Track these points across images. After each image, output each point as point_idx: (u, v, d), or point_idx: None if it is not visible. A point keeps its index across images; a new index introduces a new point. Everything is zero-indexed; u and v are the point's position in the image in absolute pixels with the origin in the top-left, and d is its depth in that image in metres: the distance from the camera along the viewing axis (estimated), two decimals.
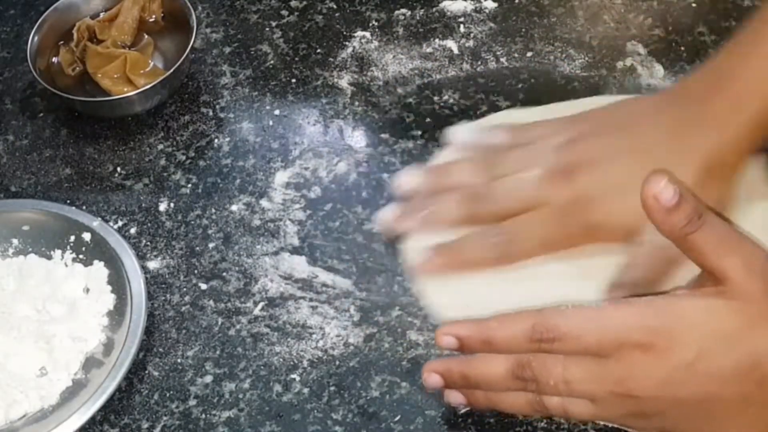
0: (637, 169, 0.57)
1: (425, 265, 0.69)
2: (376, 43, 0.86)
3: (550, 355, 0.56)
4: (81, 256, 0.72)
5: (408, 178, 0.73)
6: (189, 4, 0.83)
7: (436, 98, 0.81)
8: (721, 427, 0.55)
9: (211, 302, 0.71)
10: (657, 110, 0.67)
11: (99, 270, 0.71)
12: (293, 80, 0.84)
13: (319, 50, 0.86)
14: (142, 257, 0.73)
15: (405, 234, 0.71)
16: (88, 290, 0.71)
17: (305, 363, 0.67)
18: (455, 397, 0.61)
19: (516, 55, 0.83)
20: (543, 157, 0.67)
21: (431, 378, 0.60)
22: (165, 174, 0.79)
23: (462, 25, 0.86)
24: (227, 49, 0.87)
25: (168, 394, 0.67)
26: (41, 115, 0.84)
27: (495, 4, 0.87)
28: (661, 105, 0.67)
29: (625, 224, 0.63)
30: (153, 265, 0.73)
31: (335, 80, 0.83)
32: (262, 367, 0.68)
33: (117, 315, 0.69)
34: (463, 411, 0.63)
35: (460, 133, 0.75)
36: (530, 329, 0.56)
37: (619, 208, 0.64)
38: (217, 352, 0.69)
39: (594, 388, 0.55)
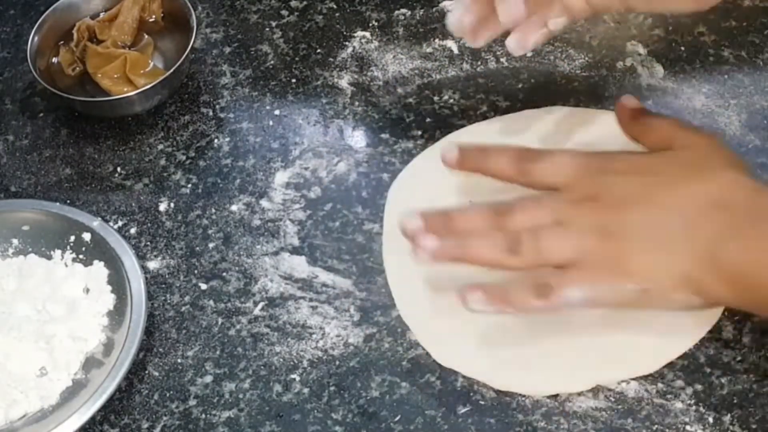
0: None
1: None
2: (376, 43, 0.86)
3: (523, 196, 0.65)
4: (81, 256, 0.72)
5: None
6: (189, 4, 0.83)
7: (436, 98, 0.81)
8: None
9: (211, 302, 0.71)
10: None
11: (99, 270, 0.71)
12: (293, 80, 0.84)
13: (319, 50, 0.86)
14: (142, 257, 0.73)
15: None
16: (88, 290, 0.71)
17: (305, 363, 0.67)
18: (428, 241, 0.63)
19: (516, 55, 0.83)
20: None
21: (412, 223, 0.64)
22: (165, 174, 0.79)
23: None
24: (227, 49, 0.87)
25: (168, 394, 0.67)
26: (41, 115, 0.84)
27: None
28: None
29: None
30: (153, 265, 0.73)
31: (335, 80, 0.83)
32: (262, 367, 0.68)
33: (117, 315, 0.69)
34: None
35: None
36: (515, 152, 0.67)
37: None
38: (217, 352, 0.69)
39: (562, 210, 0.62)
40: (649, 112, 0.69)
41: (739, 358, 0.64)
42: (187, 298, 0.71)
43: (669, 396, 0.63)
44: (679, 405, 0.63)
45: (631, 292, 0.61)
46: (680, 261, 0.60)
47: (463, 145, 0.68)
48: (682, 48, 0.82)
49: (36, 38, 0.83)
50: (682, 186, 0.62)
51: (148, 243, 0.75)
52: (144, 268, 0.72)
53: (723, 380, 0.63)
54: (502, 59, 0.83)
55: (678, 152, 0.65)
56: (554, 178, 0.65)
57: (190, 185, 0.78)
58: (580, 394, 0.64)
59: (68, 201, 0.77)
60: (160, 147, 0.81)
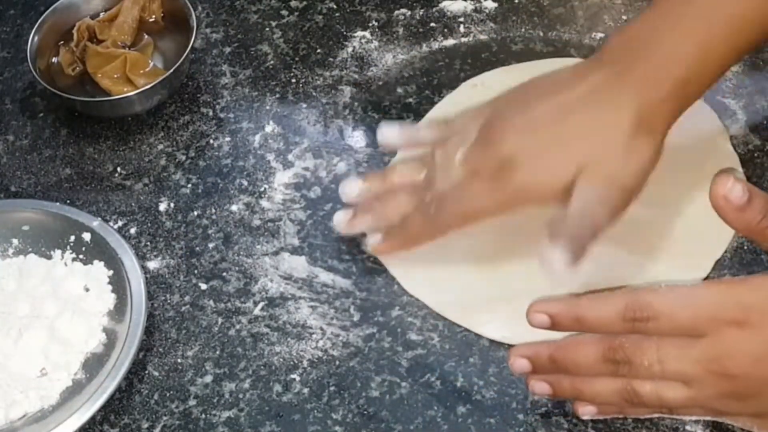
0: (564, 130, 0.62)
1: (379, 248, 0.71)
2: (376, 43, 0.86)
3: (644, 336, 0.55)
4: (81, 256, 0.72)
5: (352, 185, 0.72)
6: (189, 4, 0.83)
7: (436, 98, 0.81)
8: None
9: (211, 302, 0.71)
10: (578, 76, 0.65)
11: (99, 270, 0.71)
12: (293, 80, 0.84)
13: (319, 50, 0.86)
14: (142, 257, 0.73)
15: (361, 233, 0.72)
16: (88, 290, 0.71)
17: (305, 363, 0.67)
18: (540, 387, 0.60)
19: (516, 55, 0.83)
20: (468, 138, 0.67)
21: (518, 362, 0.60)
22: (165, 174, 0.79)
23: (462, 25, 0.86)
24: (227, 49, 0.87)
25: (168, 394, 0.67)
26: (41, 115, 0.84)
27: (495, 4, 0.87)
28: (583, 71, 0.66)
29: (554, 184, 0.62)
30: (153, 265, 0.73)
31: (335, 80, 0.83)
32: (262, 367, 0.68)
33: (117, 315, 0.69)
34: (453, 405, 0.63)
35: (388, 133, 0.73)
36: (623, 307, 0.55)
37: (547, 169, 0.63)
38: (217, 352, 0.69)
39: (689, 368, 0.55)
40: (759, 197, 0.54)
41: None
42: (187, 298, 0.71)
43: None
44: None
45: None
46: None
47: (552, 305, 0.59)
48: None
49: (36, 38, 0.83)
50: None
51: (148, 243, 0.75)
52: (144, 268, 0.72)
53: None
54: (502, 59, 0.83)
55: None
56: (677, 330, 0.55)
57: (190, 185, 0.78)
58: None
59: (68, 201, 0.77)
60: (160, 147, 0.81)
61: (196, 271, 0.73)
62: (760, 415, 0.56)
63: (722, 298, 0.54)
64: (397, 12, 0.88)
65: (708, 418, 0.60)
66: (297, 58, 0.85)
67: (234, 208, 0.76)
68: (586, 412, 0.61)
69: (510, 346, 0.65)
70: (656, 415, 0.61)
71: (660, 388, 0.56)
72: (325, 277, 0.71)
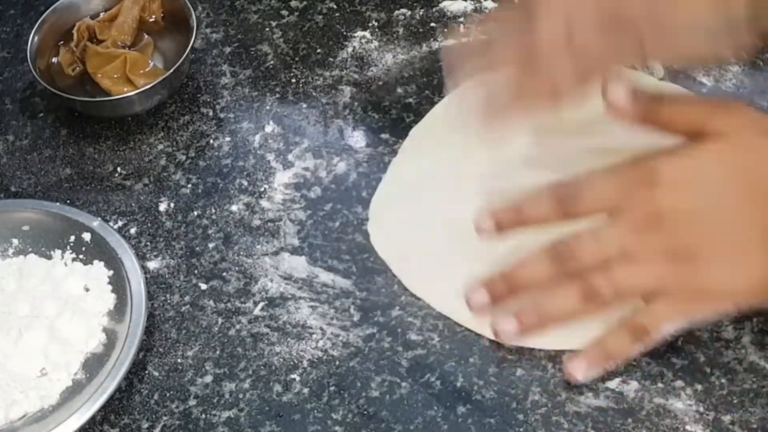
0: None
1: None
2: (376, 43, 0.86)
3: (582, 231, 0.61)
4: (81, 256, 0.72)
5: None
6: (189, 4, 0.83)
7: (435, 98, 0.81)
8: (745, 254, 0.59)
9: (211, 302, 0.71)
10: None
11: (99, 270, 0.71)
12: (293, 80, 0.84)
13: (319, 50, 0.86)
14: (142, 257, 0.73)
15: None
16: (88, 290, 0.71)
17: (305, 363, 0.67)
18: (508, 324, 0.63)
19: None
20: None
21: (476, 296, 0.63)
22: (165, 174, 0.79)
23: (462, 25, 0.86)
24: (227, 49, 0.87)
25: (168, 394, 0.67)
26: (41, 115, 0.84)
27: (495, 4, 0.87)
28: None
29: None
30: (153, 265, 0.73)
31: (335, 80, 0.83)
32: (262, 367, 0.68)
33: (117, 315, 0.69)
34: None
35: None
36: (551, 193, 0.62)
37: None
38: (217, 352, 0.69)
39: (626, 240, 0.59)
40: (652, 97, 0.62)
41: (739, 358, 0.64)
42: (187, 298, 0.71)
43: (669, 396, 0.63)
44: (679, 405, 0.63)
45: (723, 309, 0.61)
46: (760, 265, 0.59)
47: (494, 209, 0.64)
48: None
49: (36, 38, 0.83)
50: (736, 182, 0.59)
51: (148, 243, 0.75)
52: (144, 268, 0.72)
53: (723, 380, 0.63)
54: None
55: (716, 144, 0.59)
56: (601, 205, 0.61)
57: (190, 185, 0.78)
58: (580, 393, 0.64)
59: (68, 201, 0.77)
60: (160, 147, 0.81)
61: (196, 271, 0.73)
62: (710, 277, 0.60)
63: (625, 166, 0.60)
64: (397, 12, 0.88)
65: (683, 322, 0.62)
66: (297, 58, 0.86)
67: (234, 208, 0.76)
68: (576, 367, 0.62)
69: (511, 347, 0.66)
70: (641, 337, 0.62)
71: (612, 274, 0.60)
72: (325, 277, 0.71)
